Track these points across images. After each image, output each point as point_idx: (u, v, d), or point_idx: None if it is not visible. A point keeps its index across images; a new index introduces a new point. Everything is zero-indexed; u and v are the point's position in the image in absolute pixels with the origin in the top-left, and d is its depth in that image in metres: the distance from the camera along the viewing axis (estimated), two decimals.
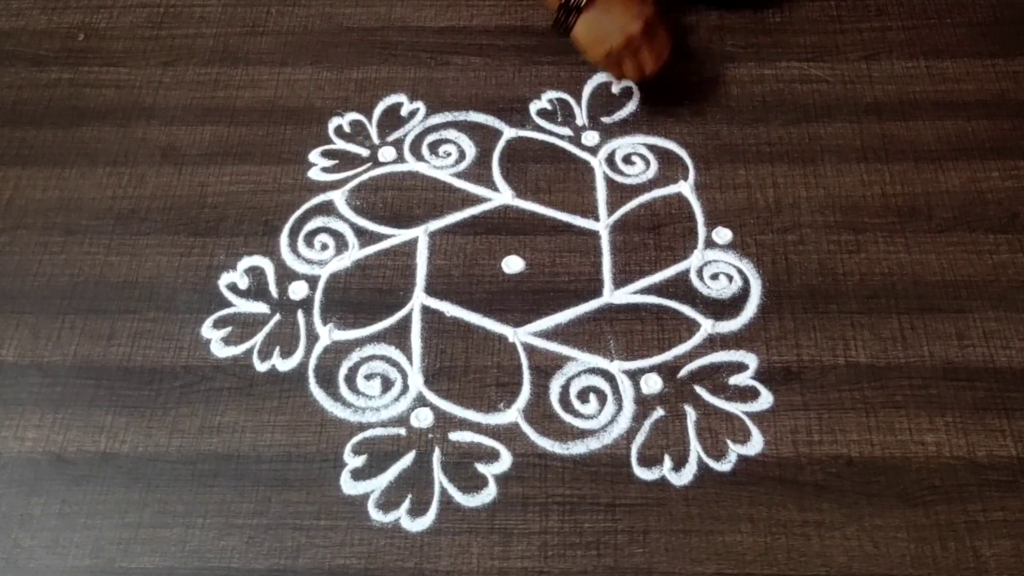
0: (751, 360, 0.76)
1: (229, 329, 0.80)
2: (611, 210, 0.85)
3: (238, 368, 0.78)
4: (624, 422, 0.74)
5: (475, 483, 0.72)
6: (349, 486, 0.72)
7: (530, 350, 0.77)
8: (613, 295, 0.80)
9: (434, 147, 0.89)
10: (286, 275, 0.82)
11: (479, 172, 0.88)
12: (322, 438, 0.74)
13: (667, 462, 0.72)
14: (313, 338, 0.79)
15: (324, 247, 0.84)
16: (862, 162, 0.86)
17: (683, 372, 0.76)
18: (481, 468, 0.72)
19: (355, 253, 0.83)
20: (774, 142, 0.88)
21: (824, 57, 0.93)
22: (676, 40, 0.95)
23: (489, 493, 0.71)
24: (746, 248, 0.82)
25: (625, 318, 0.79)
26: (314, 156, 0.89)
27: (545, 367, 0.77)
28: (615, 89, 0.92)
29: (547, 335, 0.78)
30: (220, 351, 0.78)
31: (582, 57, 0.86)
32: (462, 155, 0.89)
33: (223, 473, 0.73)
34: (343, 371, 0.77)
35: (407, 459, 0.73)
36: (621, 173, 0.87)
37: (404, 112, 0.92)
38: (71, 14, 1.01)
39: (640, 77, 0.85)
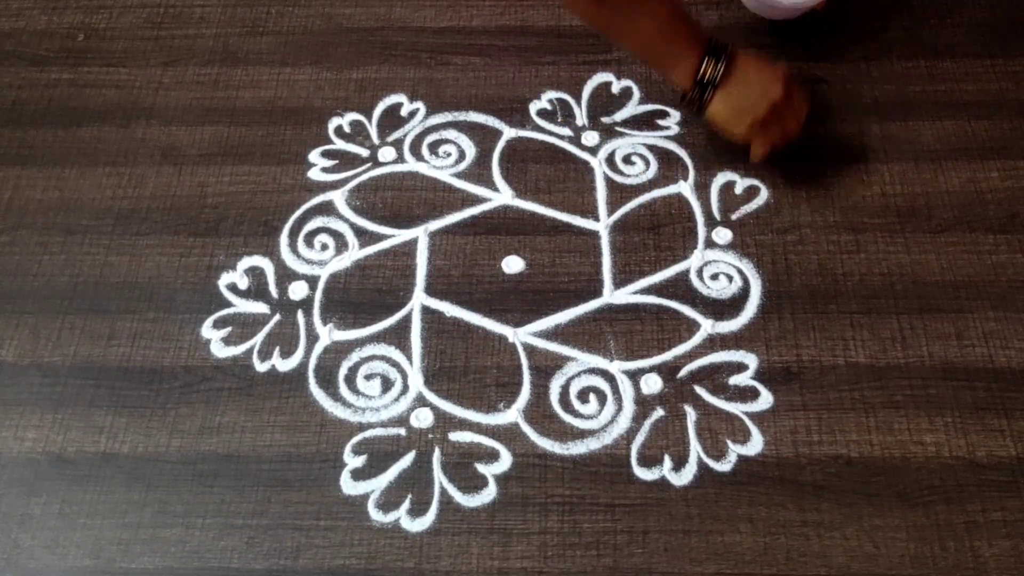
0: (751, 360, 0.76)
1: (229, 329, 0.80)
2: (611, 210, 0.85)
3: (238, 368, 0.78)
4: (624, 422, 0.74)
5: (475, 483, 0.72)
6: (349, 486, 0.72)
7: (530, 350, 0.78)
8: (613, 295, 0.80)
9: (434, 147, 0.89)
10: (286, 275, 0.82)
11: (479, 172, 0.88)
12: (322, 438, 0.74)
13: (667, 462, 0.72)
14: (313, 338, 0.79)
15: (324, 247, 0.84)
16: (862, 162, 0.86)
17: (683, 372, 0.76)
18: (481, 468, 0.72)
19: (355, 253, 0.84)
20: None
21: (824, 57, 0.93)
22: None
23: (489, 493, 0.71)
24: (746, 248, 0.82)
25: (625, 318, 0.79)
26: (314, 156, 0.89)
27: (545, 367, 0.77)
28: (615, 89, 0.92)
29: (547, 335, 0.78)
30: (220, 351, 0.78)
31: (722, 134, 0.80)
32: (462, 155, 0.89)
33: (223, 473, 0.73)
34: (343, 371, 0.77)
35: (407, 459, 0.73)
36: (621, 173, 0.87)
37: (404, 112, 0.92)
38: (71, 14, 1.01)
39: (785, 142, 0.80)
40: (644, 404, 0.75)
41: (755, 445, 0.72)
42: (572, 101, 0.92)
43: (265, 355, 0.78)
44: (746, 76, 0.77)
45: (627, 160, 0.88)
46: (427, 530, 0.70)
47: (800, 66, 0.92)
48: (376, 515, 0.71)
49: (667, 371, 0.76)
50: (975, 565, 0.67)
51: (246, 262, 0.83)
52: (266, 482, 0.72)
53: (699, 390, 0.75)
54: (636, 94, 0.92)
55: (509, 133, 0.90)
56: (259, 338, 0.79)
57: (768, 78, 0.77)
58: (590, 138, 0.89)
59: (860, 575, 0.67)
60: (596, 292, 0.80)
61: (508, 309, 0.80)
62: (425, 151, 0.89)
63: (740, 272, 0.81)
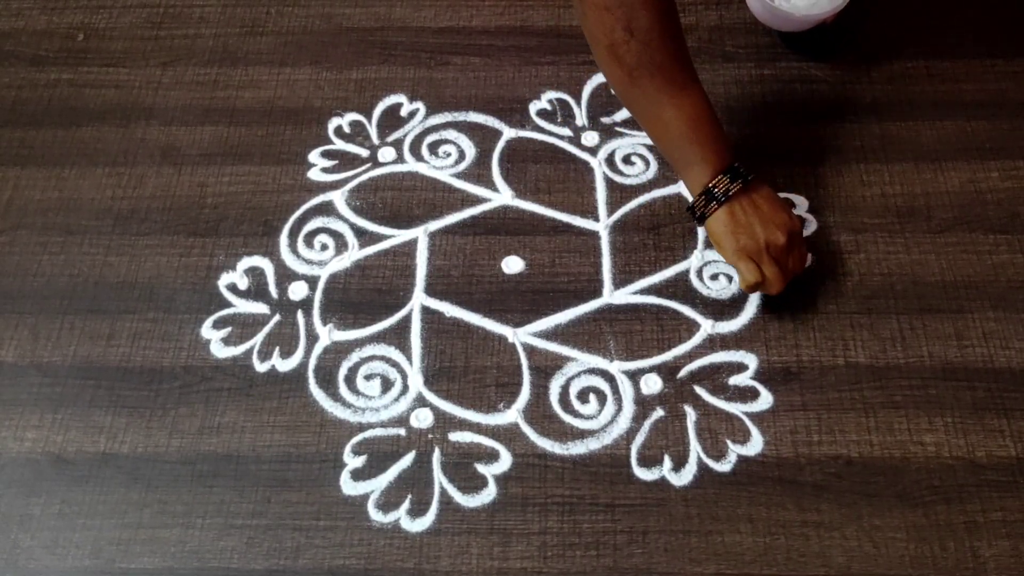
0: (751, 360, 0.76)
1: (229, 329, 0.80)
2: (611, 210, 0.85)
3: (238, 368, 0.78)
4: (624, 422, 0.74)
5: (475, 483, 0.72)
6: (349, 486, 0.72)
7: (530, 350, 0.78)
8: (613, 295, 0.80)
9: (434, 147, 0.89)
10: (286, 275, 0.82)
11: (479, 172, 0.88)
12: (322, 438, 0.74)
13: (667, 462, 0.72)
14: (313, 338, 0.79)
15: (324, 247, 0.84)
16: (862, 162, 0.86)
17: (683, 372, 0.76)
18: (481, 468, 0.72)
19: (355, 253, 0.84)
20: (774, 142, 0.88)
21: (824, 57, 0.93)
22: None
23: (489, 493, 0.71)
24: None
25: (625, 318, 0.79)
26: (314, 156, 0.89)
27: (545, 367, 0.77)
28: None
29: (547, 335, 0.78)
30: (220, 351, 0.78)
31: (716, 248, 0.76)
32: (462, 155, 0.89)
33: (223, 474, 0.73)
34: (343, 371, 0.77)
35: (407, 459, 0.73)
36: (621, 173, 0.87)
37: (404, 112, 0.92)
38: (71, 14, 1.01)
39: (778, 288, 0.75)
40: (644, 404, 0.75)
41: (755, 445, 0.72)
42: (572, 101, 0.92)
43: (265, 355, 0.78)
44: (757, 205, 0.74)
45: (627, 160, 0.88)
46: (427, 530, 0.70)
47: (800, 66, 0.92)
48: (376, 515, 0.71)
49: (667, 371, 0.76)
50: (975, 565, 0.67)
51: (246, 262, 0.83)
52: (266, 482, 0.72)
53: (699, 390, 0.75)
54: None
55: (509, 133, 0.90)
56: (259, 338, 0.79)
57: (777, 219, 0.74)
58: (590, 138, 0.89)
59: (860, 575, 0.67)
60: (596, 292, 0.80)
61: (508, 309, 0.80)
62: (425, 151, 0.89)
63: None
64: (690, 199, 0.76)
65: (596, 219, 0.84)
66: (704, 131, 0.74)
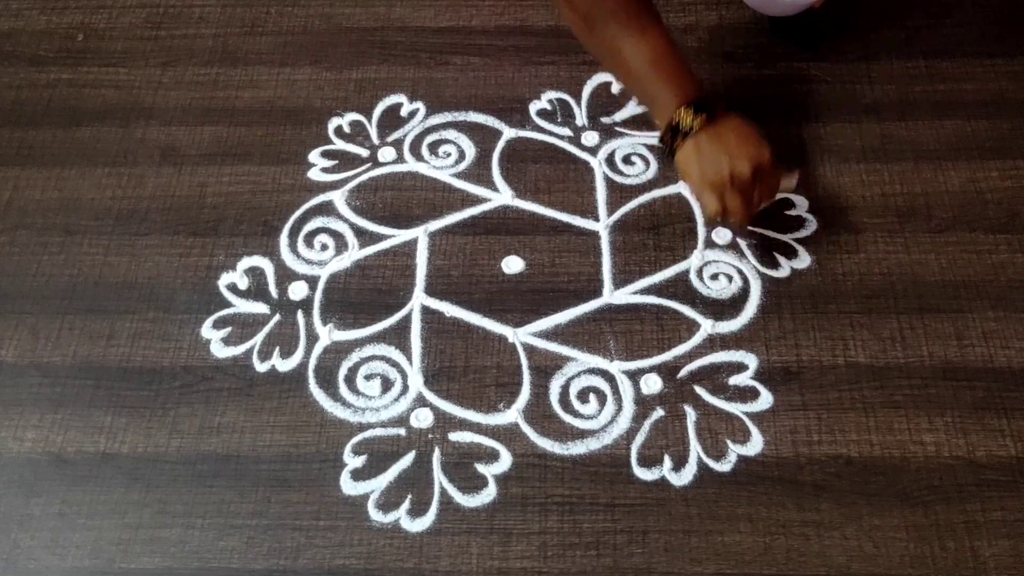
0: (751, 360, 0.76)
1: (229, 329, 0.80)
2: (611, 210, 0.85)
3: (238, 368, 0.78)
4: (624, 422, 0.74)
5: (475, 483, 0.72)
6: (349, 486, 0.72)
7: (530, 350, 0.78)
8: (613, 295, 0.80)
9: (434, 147, 0.89)
10: (286, 275, 0.82)
11: (479, 172, 0.88)
12: (322, 438, 0.74)
13: (667, 462, 0.72)
14: (313, 338, 0.79)
15: (324, 247, 0.84)
16: (861, 162, 0.86)
17: (683, 372, 0.76)
18: (481, 468, 0.72)
19: (355, 253, 0.84)
20: (774, 142, 0.87)
21: (824, 57, 0.93)
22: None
23: (489, 493, 0.71)
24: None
25: (625, 318, 0.79)
26: (314, 156, 0.89)
27: (545, 367, 0.77)
28: (615, 89, 0.92)
29: (547, 335, 0.78)
30: (220, 351, 0.78)
31: (683, 180, 0.76)
32: (462, 155, 0.89)
33: (223, 474, 0.73)
34: (343, 371, 0.77)
35: (407, 459, 0.73)
36: (621, 173, 0.87)
37: (404, 112, 0.92)
38: (70, 14, 1.01)
39: (737, 218, 0.75)
40: (644, 404, 0.75)
41: (755, 445, 0.72)
42: (572, 101, 0.92)
43: (265, 355, 0.78)
44: (723, 137, 0.74)
45: (627, 160, 0.88)
46: (427, 530, 0.70)
47: (800, 66, 0.92)
48: (376, 515, 0.71)
49: (667, 371, 0.76)
50: (975, 565, 0.67)
51: (246, 262, 0.83)
52: (266, 482, 0.72)
53: (699, 390, 0.75)
54: None
55: (509, 133, 0.90)
56: (259, 338, 0.79)
57: (744, 151, 0.73)
58: (590, 138, 0.89)
59: (860, 575, 0.67)
60: (596, 292, 0.80)
61: (508, 309, 0.80)
62: (425, 151, 0.89)
63: (740, 272, 0.81)
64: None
65: (596, 219, 0.84)
66: (665, 68, 0.74)
